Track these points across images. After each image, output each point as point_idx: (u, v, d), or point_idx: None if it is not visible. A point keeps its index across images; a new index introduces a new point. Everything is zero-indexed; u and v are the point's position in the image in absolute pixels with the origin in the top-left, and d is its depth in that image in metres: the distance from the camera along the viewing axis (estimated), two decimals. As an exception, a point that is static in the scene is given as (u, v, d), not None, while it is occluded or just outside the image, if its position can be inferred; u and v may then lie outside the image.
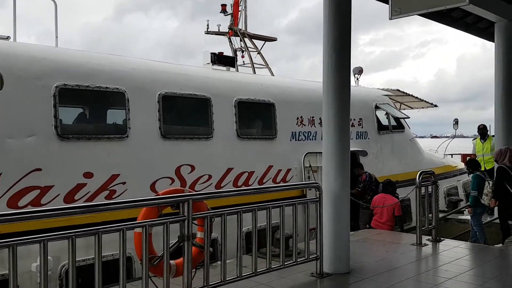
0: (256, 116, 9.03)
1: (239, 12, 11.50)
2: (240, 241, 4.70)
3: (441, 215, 10.67)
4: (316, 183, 5.86)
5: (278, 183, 8.79)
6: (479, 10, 9.31)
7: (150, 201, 4.19)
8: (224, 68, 9.09)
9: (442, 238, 7.55)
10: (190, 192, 4.51)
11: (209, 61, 8.91)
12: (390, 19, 5.44)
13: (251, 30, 12.01)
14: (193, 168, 7.46)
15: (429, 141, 18.09)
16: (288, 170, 9.14)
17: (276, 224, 5.37)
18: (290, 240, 5.69)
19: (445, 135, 18.41)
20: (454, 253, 6.75)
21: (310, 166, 9.34)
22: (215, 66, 8.93)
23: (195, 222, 4.44)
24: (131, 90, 6.95)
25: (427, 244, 7.21)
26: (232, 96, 8.33)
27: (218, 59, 8.88)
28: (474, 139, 10.81)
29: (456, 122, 14.81)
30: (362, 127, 11.23)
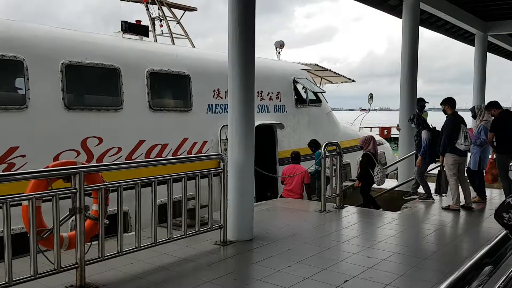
0: (170, 88, 8.95)
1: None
2: (139, 214, 4.72)
3: (350, 183, 11.34)
4: (220, 154, 5.99)
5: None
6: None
7: (37, 173, 4.07)
8: (137, 37, 8.84)
9: (345, 205, 8.06)
10: (83, 164, 4.43)
11: (120, 29, 8.62)
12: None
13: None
14: (100, 140, 7.30)
15: (358, 113, 19.06)
16: (204, 143, 9.21)
17: (190, 196, 5.49)
18: (202, 211, 5.80)
19: (373, 108, 19.53)
20: (354, 218, 7.25)
21: (226, 138, 9.45)
22: (126, 35, 8.67)
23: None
24: (31, 58, 6.60)
25: (331, 211, 7.66)
26: (143, 67, 8.17)
27: (130, 27, 8.62)
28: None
29: (370, 97, 15.56)
30: (280, 101, 11.52)
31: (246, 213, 5.95)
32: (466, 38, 17.70)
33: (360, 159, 9.31)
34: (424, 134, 8.58)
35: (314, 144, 10.56)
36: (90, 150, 7.15)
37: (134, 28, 8.71)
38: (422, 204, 8.42)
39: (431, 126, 8.95)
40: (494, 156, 8.57)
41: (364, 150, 9.13)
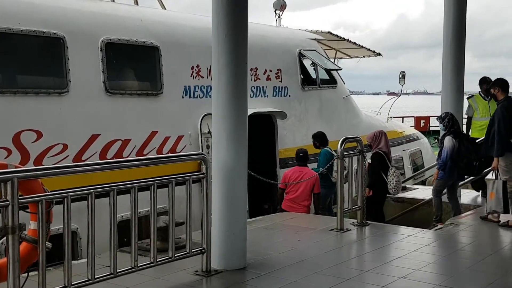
0: (134, 64, 8.92)
1: None
2: (92, 234, 4.68)
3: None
4: (201, 153, 5.97)
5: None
6: None
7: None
8: (88, -5, 8.79)
9: (369, 222, 8.09)
10: (17, 168, 4.38)
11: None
12: None
13: None
14: (39, 135, 7.26)
15: (385, 98, 19.08)
16: (180, 138, 9.19)
17: (162, 209, 5.48)
18: (178, 230, 5.77)
19: (405, 91, 19.47)
20: (381, 238, 7.29)
21: (209, 132, 9.42)
22: (77, -8, 8.61)
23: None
24: None
25: (350, 229, 7.69)
26: (97, 36, 8.12)
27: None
28: (470, 97, 11.28)
29: (402, 76, 15.61)
30: (280, 81, 11.52)
31: (237, 232, 5.95)
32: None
33: (369, 160, 9.34)
34: (447, 141, 8.66)
35: (319, 139, 10.44)
36: (25, 147, 7.10)
37: (84, -16, 8.64)
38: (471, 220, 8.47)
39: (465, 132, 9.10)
40: None
41: (373, 149, 9.25)
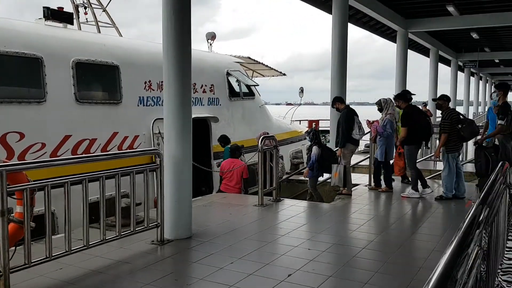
0: (98, 79, 8.42)
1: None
2: (68, 214, 4.36)
3: (285, 176, 11.47)
4: (156, 149, 5.70)
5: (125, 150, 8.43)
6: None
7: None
8: (61, 25, 8.21)
9: (281, 198, 8.10)
10: (5, 162, 3.98)
11: (42, 16, 7.95)
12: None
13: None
14: (22, 135, 6.70)
15: (284, 107, 19.25)
16: (136, 137, 8.79)
17: (123, 193, 5.18)
18: (137, 209, 5.49)
19: (297, 103, 19.80)
20: (291, 211, 7.29)
21: (159, 132, 9.11)
22: (49, 22, 8.02)
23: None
24: None
25: (268, 205, 7.65)
26: (69, 56, 7.60)
27: (53, 14, 7.96)
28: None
29: (301, 90, 15.83)
30: (214, 93, 11.30)
31: (184, 210, 5.75)
32: (388, 34, 18.59)
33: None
34: (314, 149, 8.91)
35: (223, 139, 10.32)
36: (11, 146, 6.53)
37: (57, 15, 8.06)
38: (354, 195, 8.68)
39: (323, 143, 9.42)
40: (399, 150, 9.06)
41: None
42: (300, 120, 33.79)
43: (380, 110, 8.97)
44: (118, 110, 8.53)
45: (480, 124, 9.81)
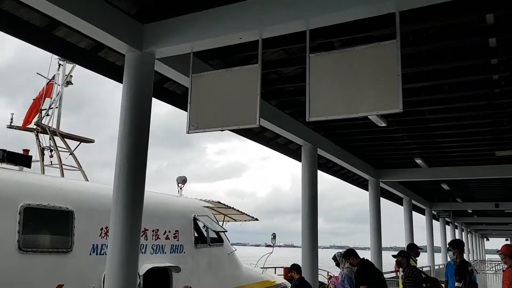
0: (48, 225, 7.83)
1: (52, 110, 10.62)
2: None
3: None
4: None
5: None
6: (287, 134, 10.15)
7: None
8: (16, 167, 7.91)
9: None
10: None
11: (-1, 158, 7.70)
12: (188, 133, 5.30)
13: (81, 128, 11.15)
14: None
15: (263, 249, 18.47)
16: (84, 291, 7.91)
17: None
18: None
19: (277, 244, 19.17)
20: None
21: (111, 284, 8.26)
22: (4, 165, 7.72)
23: None
24: None
25: None
26: (17, 201, 7.14)
27: (9, 156, 7.72)
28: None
29: (274, 236, 15.30)
30: (177, 240, 10.69)
31: None
32: (360, 183, 18.85)
33: None
34: None
35: None
36: None
37: (14, 158, 7.81)
38: None
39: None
40: None
41: None
42: (275, 267, 32.47)
43: (338, 264, 8.52)
44: (67, 259, 7.79)
45: (441, 280, 9.34)
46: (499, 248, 6.70)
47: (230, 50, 6.86)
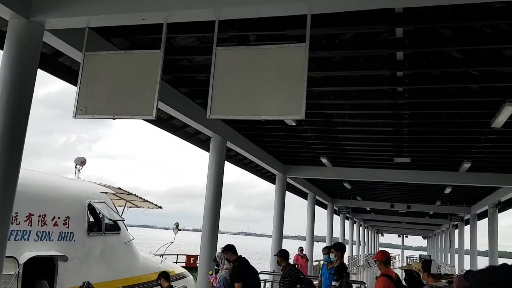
0: None
1: None
2: None
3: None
4: None
5: None
6: (195, 124, 9.75)
7: None
8: None
9: None
10: None
11: None
12: (74, 117, 4.73)
13: None
14: None
15: (171, 232, 17.95)
16: None
17: None
18: None
19: (186, 228, 18.72)
20: None
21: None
22: None
23: None
24: None
25: None
26: None
27: None
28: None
29: (176, 226, 14.90)
30: (67, 227, 9.87)
31: None
32: (269, 177, 19.03)
33: None
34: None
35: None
36: None
37: None
38: None
39: None
40: None
41: None
42: (177, 255, 32.08)
43: (217, 265, 8.30)
44: None
45: (315, 282, 9.54)
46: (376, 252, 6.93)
47: (137, 30, 6.33)
